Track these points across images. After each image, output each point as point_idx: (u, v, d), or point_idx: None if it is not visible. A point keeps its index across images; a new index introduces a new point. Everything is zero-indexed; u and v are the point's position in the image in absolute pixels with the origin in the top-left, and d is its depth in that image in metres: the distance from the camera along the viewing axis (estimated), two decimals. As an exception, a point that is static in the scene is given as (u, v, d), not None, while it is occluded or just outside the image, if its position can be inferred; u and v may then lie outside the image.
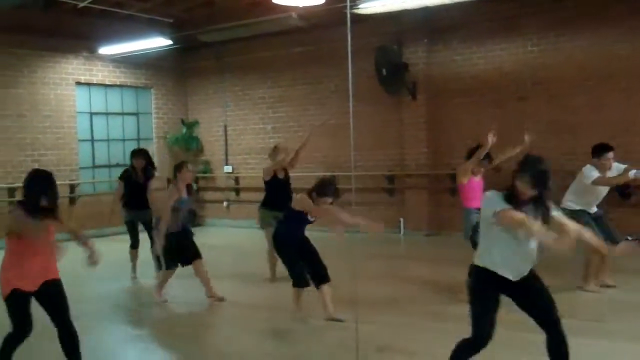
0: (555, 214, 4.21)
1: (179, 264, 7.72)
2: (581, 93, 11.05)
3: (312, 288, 6.56)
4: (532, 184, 4.10)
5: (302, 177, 10.98)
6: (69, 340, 4.84)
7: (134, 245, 9.33)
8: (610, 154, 7.28)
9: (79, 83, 13.86)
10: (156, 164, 10.41)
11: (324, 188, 6.33)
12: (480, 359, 5.01)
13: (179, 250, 7.58)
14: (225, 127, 15.36)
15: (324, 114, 13.70)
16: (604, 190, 7.47)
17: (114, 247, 9.66)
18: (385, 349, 5.49)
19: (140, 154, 9.42)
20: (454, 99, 12.26)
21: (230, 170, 15.27)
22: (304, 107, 14.10)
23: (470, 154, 7.31)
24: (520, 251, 4.22)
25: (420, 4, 10.65)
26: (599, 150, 7.31)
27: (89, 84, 14.09)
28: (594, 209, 7.52)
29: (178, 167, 7.73)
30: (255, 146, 14.74)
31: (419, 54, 12.47)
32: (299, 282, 6.55)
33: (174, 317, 7.47)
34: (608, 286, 7.61)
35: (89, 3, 11.90)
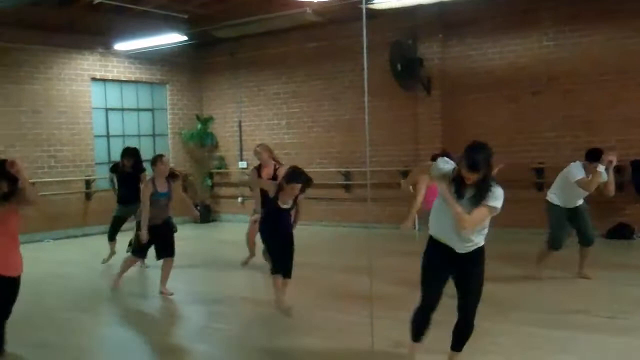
0: (489, 203, 4.27)
1: (156, 258, 7.96)
2: (596, 88, 10.99)
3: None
4: (466, 167, 4.21)
5: (316, 173, 10.98)
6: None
7: (112, 237, 9.76)
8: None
9: (94, 79, 13.95)
10: (171, 159, 10.47)
11: (293, 175, 6.65)
12: (497, 356, 5.04)
13: (154, 243, 7.82)
14: (240, 122, 15.39)
15: (338, 109, 13.74)
16: (583, 191, 7.60)
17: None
18: (401, 345, 5.49)
19: (129, 153, 9.72)
20: (468, 94, 12.23)
21: (244, 166, 15.29)
22: (318, 103, 14.11)
23: (435, 159, 7.29)
24: (448, 220, 4.37)
25: (435, -1, 10.63)
26: (593, 157, 7.40)
27: (104, 80, 14.17)
28: (577, 203, 7.72)
29: (153, 161, 7.90)
30: (269, 142, 14.45)
31: (433, 49, 12.45)
32: (275, 270, 6.82)
33: (178, 312, 7.52)
34: (587, 278, 7.80)
35: (105, -1, 11.95)
